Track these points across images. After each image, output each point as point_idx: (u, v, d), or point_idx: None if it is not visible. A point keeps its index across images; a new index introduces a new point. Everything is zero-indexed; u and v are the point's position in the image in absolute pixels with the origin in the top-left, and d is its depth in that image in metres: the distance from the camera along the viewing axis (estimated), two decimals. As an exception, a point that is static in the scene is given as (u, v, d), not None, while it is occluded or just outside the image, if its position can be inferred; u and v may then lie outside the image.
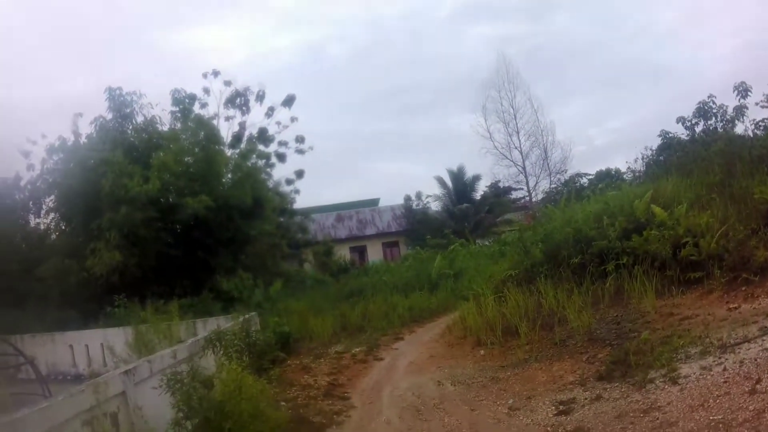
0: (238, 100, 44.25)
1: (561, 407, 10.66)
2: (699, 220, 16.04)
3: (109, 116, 34.22)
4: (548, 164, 59.42)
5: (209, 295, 29.66)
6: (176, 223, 31.84)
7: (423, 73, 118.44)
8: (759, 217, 15.99)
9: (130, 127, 34.63)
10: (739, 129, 27.19)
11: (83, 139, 33.78)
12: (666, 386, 9.77)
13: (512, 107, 60.75)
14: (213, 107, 43.03)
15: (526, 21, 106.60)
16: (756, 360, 9.45)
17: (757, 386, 8.50)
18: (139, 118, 35.09)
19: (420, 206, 59.56)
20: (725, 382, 9.06)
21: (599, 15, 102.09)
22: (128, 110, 34.55)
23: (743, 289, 13.64)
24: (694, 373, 9.80)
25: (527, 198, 60.17)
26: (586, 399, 10.68)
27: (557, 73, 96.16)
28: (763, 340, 10.19)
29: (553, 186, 55.78)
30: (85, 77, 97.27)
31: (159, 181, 28.96)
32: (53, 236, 34.46)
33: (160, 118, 36.10)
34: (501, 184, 61.16)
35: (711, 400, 8.63)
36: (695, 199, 18.30)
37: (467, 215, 55.07)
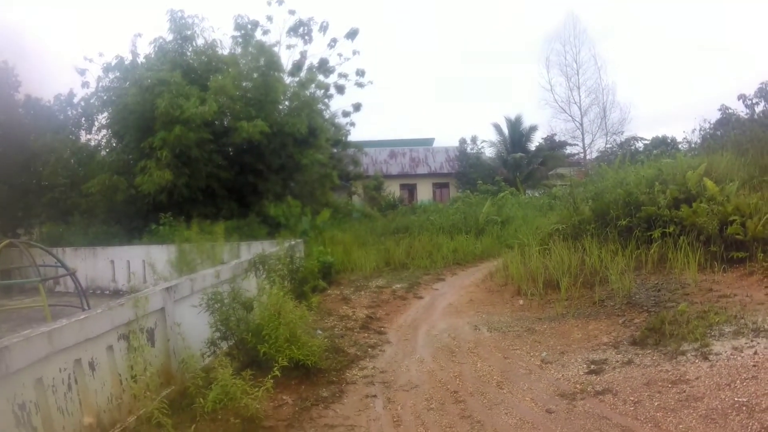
0: (301, 29, 44.34)
1: (592, 366, 10.88)
2: (748, 200, 16.06)
3: (170, 38, 34.21)
4: (606, 123, 59.34)
5: (256, 219, 30.00)
6: (229, 147, 32.09)
7: (491, 19, 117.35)
8: None
9: (190, 50, 34.62)
10: None
11: (141, 59, 34.01)
12: (696, 360, 9.92)
13: (576, 62, 60.72)
14: (275, 35, 43.70)
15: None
16: (787, 348, 9.58)
17: (786, 374, 8.64)
18: (200, 41, 35.11)
19: (474, 150, 59.51)
20: (754, 365, 9.19)
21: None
22: (189, 32, 34.40)
23: None
24: (726, 352, 9.94)
25: (581, 154, 60.05)
26: (617, 362, 10.87)
27: (625, 36, 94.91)
28: (797, 328, 10.34)
29: (608, 146, 55.79)
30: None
31: (216, 104, 29.05)
32: (103, 153, 34.66)
33: (221, 41, 36.17)
34: (557, 138, 61.16)
35: (738, 382, 8.77)
36: (747, 179, 18.35)
37: (520, 164, 55.09)
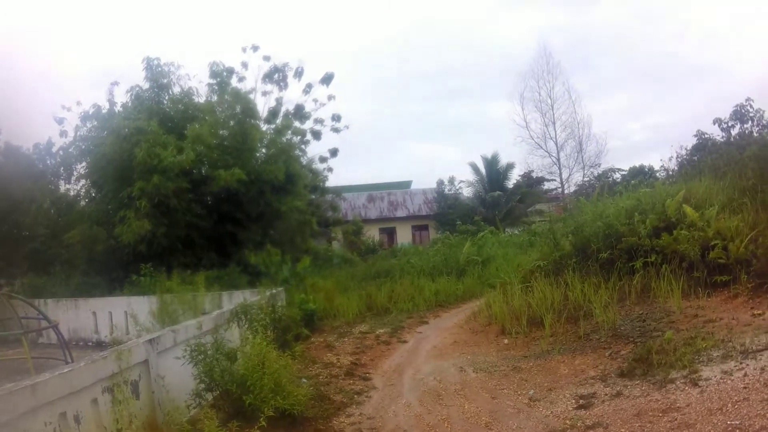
0: (276, 75, 44.49)
1: (581, 401, 10.75)
2: (729, 224, 16.00)
3: (146, 86, 34.21)
4: (582, 157, 59.57)
5: (236, 268, 29.80)
6: (207, 195, 31.93)
7: (463, 58, 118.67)
8: None
9: (166, 98, 34.61)
10: None
11: (118, 108, 33.88)
12: (686, 387, 9.81)
13: (550, 97, 61.08)
14: (251, 82, 43.40)
15: (570, 11, 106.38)
16: (777, 369, 9.50)
17: (777, 395, 8.54)
18: (176, 89, 35.10)
19: (452, 191, 59.86)
20: (745, 387, 9.08)
21: (644, 10, 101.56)
22: (165, 80, 34.45)
23: None
24: (715, 377, 9.84)
25: (559, 189, 60.27)
26: (606, 395, 10.75)
27: (597, 67, 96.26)
28: (786, 349, 10.25)
29: (586, 179, 56.03)
30: (125, 48, 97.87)
31: (193, 153, 29.02)
32: (83, 203, 34.59)
33: (197, 89, 36.23)
34: (534, 174, 61.57)
35: (730, 405, 8.66)
36: (727, 202, 18.23)
37: (498, 203, 55.16)
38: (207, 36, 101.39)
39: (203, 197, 31.96)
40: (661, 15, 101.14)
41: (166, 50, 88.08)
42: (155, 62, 34.28)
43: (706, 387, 9.58)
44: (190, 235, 30.80)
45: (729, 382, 9.51)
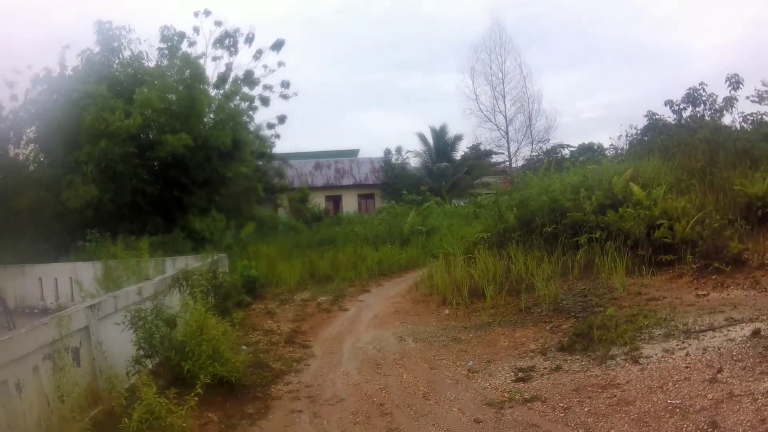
0: (227, 40, 43.98)
1: (520, 374, 10.64)
2: (676, 204, 16.17)
3: (97, 50, 33.32)
4: (531, 132, 59.56)
5: (181, 234, 29.46)
6: (154, 161, 31.52)
7: (416, 29, 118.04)
8: (737, 208, 16.36)
9: (117, 62, 33.86)
10: (727, 120, 27.31)
11: (69, 72, 32.98)
12: (626, 364, 9.78)
13: (501, 71, 60.70)
14: (201, 47, 42.74)
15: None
16: (719, 349, 9.50)
17: (718, 375, 8.53)
18: (126, 53, 34.35)
19: (399, 161, 59.47)
20: (686, 367, 9.08)
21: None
22: (116, 44, 33.68)
23: (713, 277, 13.81)
24: (656, 355, 9.84)
25: (507, 163, 60.29)
26: (545, 368, 10.67)
27: (551, 44, 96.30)
28: (729, 330, 10.25)
29: (534, 154, 55.96)
30: (78, 10, 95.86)
31: (140, 117, 28.47)
32: (31, 167, 33.91)
33: (147, 54, 35.54)
34: (482, 147, 61.38)
35: (670, 384, 8.64)
36: (674, 183, 18.49)
37: (445, 174, 55.11)
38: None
39: (150, 162, 31.53)
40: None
41: (119, 13, 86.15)
42: (107, 26, 33.57)
43: (647, 365, 9.56)
44: (136, 200, 30.28)
45: (670, 360, 9.51)
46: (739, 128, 24.75)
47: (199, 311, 11.48)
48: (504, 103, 60.30)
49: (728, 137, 21.52)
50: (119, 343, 10.89)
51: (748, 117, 26.03)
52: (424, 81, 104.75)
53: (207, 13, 42.98)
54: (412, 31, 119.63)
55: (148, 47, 35.86)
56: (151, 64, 35.22)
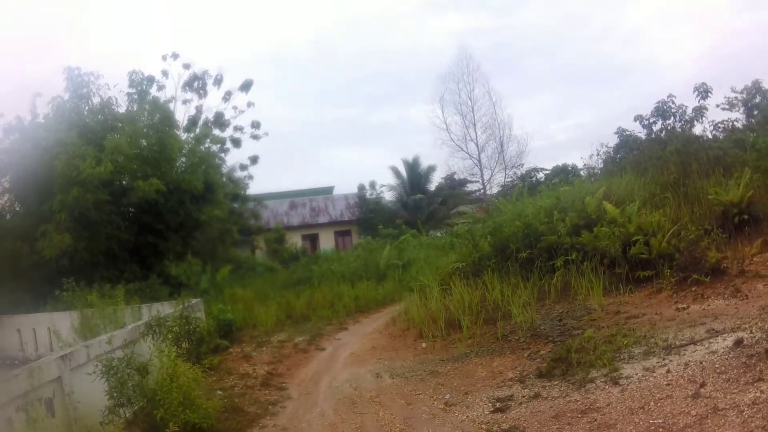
0: (196, 83, 43.62)
1: (498, 404, 10.34)
2: (650, 219, 16.14)
3: (66, 96, 33.34)
4: (504, 158, 59.58)
5: (157, 280, 29.13)
6: (128, 207, 31.35)
7: (385, 64, 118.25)
8: (712, 218, 16.35)
9: (86, 108, 33.71)
10: (698, 130, 27.56)
11: (40, 119, 32.85)
12: (606, 386, 9.51)
13: (470, 99, 60.77)
14: (171, 90, 42.54)
15: (492, 15, 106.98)
16: (701, 363, 9.24)
17: (701, 390, 8.26)
18: (96, 100, 34.18)
19: (374, 195, 59.37)
20: (668, 384, 8.83)
21: (567, 12, 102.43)
22: (85, 91, 33.62)
23: (693, 289, 13.68)
24: (636, 374, 9.59)
25: (482, 191, 60.29)
26: (524, 397, 10.38)
27: (520, 68, 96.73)
28: (710, 343, 10.02)
29: (508, 180, 56.01)
30: (49, 57, 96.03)
31: (111, 164, 28.23)
32: (8, 217, 33.65)
33: (116, 99, 35.24)
34: (456, 176, 61.44)
35: (652, 403, 8.37)
36: (648, 198, 18.52)
37: (420, 206, 54.94)
38: (129, 43, 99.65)
39: (124, 209, 31.37)
40: (583, 17, 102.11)
41: (88, 58, 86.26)
42: (76, 72, 33.60)
43: (627, 385, 9.30)
44: (111, 247, 30.00)
45: (651, 379, 9.26)
46: (710, 137, 24.94)
47: (169, 358, 11.31)
48: (475, 130, 60.40)
49: (700, 147, 21.63)
50: (94, 393, 10.72)
51: (719, 125, 26.33)
52: (396, 114, 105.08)
53: (175, 56, 42.61)
54: (382, 66, 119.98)
55: (117, 93, 35.75)
56: (121, 110, 35.03)
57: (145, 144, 32.17)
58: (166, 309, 18.41)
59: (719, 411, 7.53)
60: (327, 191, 64.58)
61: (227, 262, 34.10)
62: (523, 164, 58.28)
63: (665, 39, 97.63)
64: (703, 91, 27.46)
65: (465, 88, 61.02)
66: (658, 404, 8.28)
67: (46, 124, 31.43)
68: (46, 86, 34.07)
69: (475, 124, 60.52)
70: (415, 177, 59.18)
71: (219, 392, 13.69)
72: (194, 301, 20.68)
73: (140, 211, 31.24)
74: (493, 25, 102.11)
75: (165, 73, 41.87)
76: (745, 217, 15.87)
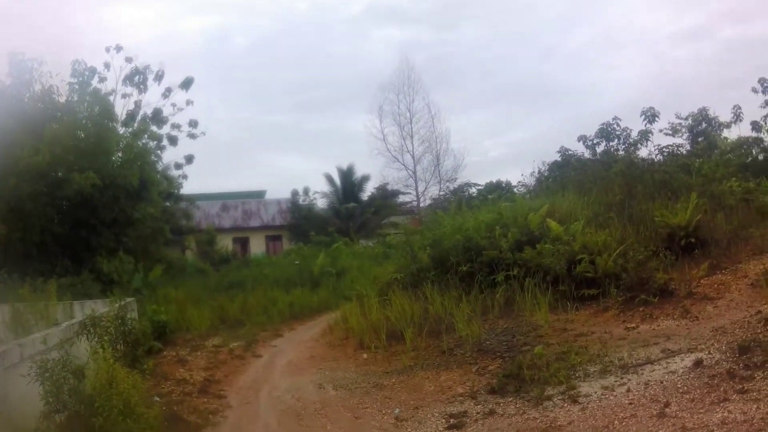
0: (137, 77, 42.68)
1: (452, 420, 10.15)
2: (596, 238, 16.25)
3: (8, 82, 32.86)
4: (439, 171, 59.82)
5: (89, 276, 28.48)
6: (63, 199, 30.66)
7: (325, 70, 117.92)
8: (658, 239, 16.65)
9: (27, 95, 33.09)
10: (642, 153, 28.21)
11: (-20, 104, 32.24)
12: (566, 404, 9.43)
13: (409, 111, 61.05)
14: (112, 83, 41.83)
15: (436, 28, 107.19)
16: (662, 382, 9.25)
17: (666, 410, 8.25)
18: (37, 87, 33.49)
19: (306, 202, 59.17)
20: (630, 403, 8.80)
21: (511, 31, 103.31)
22: (27, 77, 33.09)
23: (641, 309, 13.76)
24: (596, 393, 9.54)
25: (415, 203, 60.39)
26: (478, 413, 10.22)
27: (459, 84, 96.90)
28: (668, 363, 10.06)
29: (442, 193, 56.15)
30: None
31: (49, 154, 27.78)
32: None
33: (58, 88, 34.31)
34: (390, 187, 61.32)
35: (616, 422, 8.33)
36: (592, 218, 18.67)
37: (353, 215, 54.88)
38: (74, 30, 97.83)
39: (59, 201, 30.70)
40: (525, 38, 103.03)
41: (34, 44, 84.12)
42: (19, 57, 33.16)
43: (587, 404, 9.25)
44: (45, 240, 29.43)
45: (612, 398, 9.23)
46: (656, 160, 25.44)
47: (107, 362, 10.75)
48: (412, 142, 60.69)
49: (645, 170, 22.05)
50: (29, 396, 10.08)
51: (664, 149, 26.92)
52: (334, 122, 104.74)
53: (118, 48, 41.69)
54: (322, 73, 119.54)
55: (59, 81, 35.09)
56: (62, 99, 34.27)
57: (83, 136, 31.65)
58: (99, 307, 17.90)
59: (688, 430, 7.51)
60: (260, 195, 64.22)
61: (159, 261, 33.80)
62: (456, 178, 58.59)
63: (608, 63, 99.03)
64: (651, 115, 28.29)
65: (405, 99, 61.31)
66: (623, 423, 8.24)
67: None
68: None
69: (412, 136, 60.87)
70: (348, 185, 59.17)
71: (156, 399, 13.20)
72: (128, 300, 20.25)
73: (74, 204, 30.54)
74: (435, 38, 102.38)
75: (107, 66, 40.95)
76: (692, 240, 16.30)
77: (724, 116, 28.95)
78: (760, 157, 25.20)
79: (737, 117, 28.38)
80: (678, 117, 29.40)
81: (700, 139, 28.46)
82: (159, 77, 43.20)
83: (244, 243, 56.88)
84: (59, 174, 30.07)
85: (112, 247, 31.09)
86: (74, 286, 26.13)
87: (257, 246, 56.55)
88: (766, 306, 11.97)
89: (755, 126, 27.75)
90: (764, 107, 28.16)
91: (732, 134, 28.36)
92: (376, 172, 62.54)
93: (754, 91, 28.46)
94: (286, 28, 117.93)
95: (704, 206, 17.53)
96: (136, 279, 27.71)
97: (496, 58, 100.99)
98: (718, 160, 23.45)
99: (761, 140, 26.89)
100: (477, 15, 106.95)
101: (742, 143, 26.02)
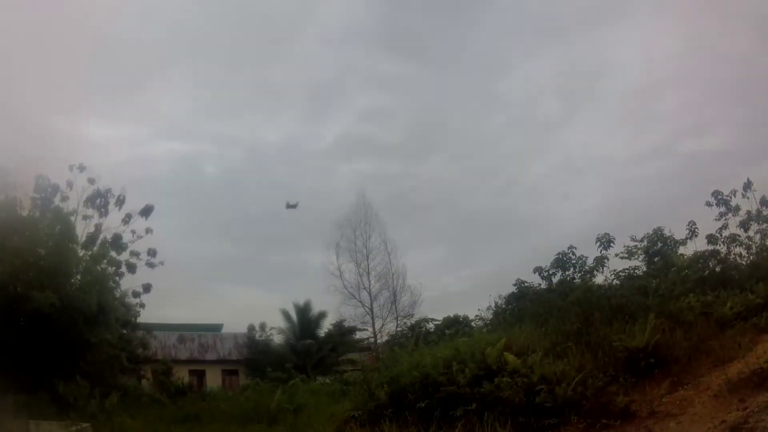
0: (99, 200, 42.80)
1: None
2: (554, 368, 16.49)
3: None
4: (396, 308, 59.76)
5: (45, 396, 28.38)
6: (20, 316, 30.60)
7: (278, 206, 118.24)
8: (618, 364, 16.82)
9: (-10, 204, 33.31)
10: (599, 279, 29.01)
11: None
12: None
13: (366, 248, 61.17)
14: (74, 203, 41.96)
15: (402, 162, 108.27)
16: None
17: None
18: (1, 197, 33.86)
19: (263, 337, 59.03)
20: None
21: (473, 165, 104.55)
22: (-9, 186, 33.38)
23: None
24: None
25: (372, 339, 60.20)
26: None
27: (420, 218, 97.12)
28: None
29: (399, 329, 56.06)
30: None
31: (10, 267, 27.91)
32: None
33: (21, 201, 34.97)
34: (346, 323, 61.06)
35: None
36: (550, 347, 18.74)
37: (310, 351, 54.66)
38: (40, 142, 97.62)
39: (16, 317, 30.55)
40: (488, 171, 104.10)
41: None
42: None
43: None
44: (1, 356, 28.88)
45: None
46: (612, 285, 26.36)
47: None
48: (369, 279, 60.67)
49: (602, 296, 22.67)
50: None
51: (620, 273, 28.19)
52: (292, 256, 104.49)
53: (82, 168, 41.79)
54: (284, 206, 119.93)
55: (22, 195, 35.23)
56: (25, 213, 34.64)
57: (43, 253, 31.90)
58: (55, 429, 17.75)
59: None
60: (216, 328, 63.94)
61: (115, 388, 33.49)
62: (413, 314, 58.63)
63: (564, 193, 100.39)
64: (606, 242, 29.07)
65: (361, 236, 61.48)
66: None
67: None
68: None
69: (369, 273, 60.81)
70: (305, 322, 59.18)
71: None
72: (84, 425, 20.08)
73: (32, 322, 30.49)
74: (399, 171, 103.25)
75: (70, 184, 41.13)
76: (652, 360, 16.55)
77: (680, 233, 29.67)
78: (717, 269, 25.65)
79: (692, 233, 29.04)
80: (633, 239, 30.12)
81: (656, 259, 29.09)
82: (120, 202, 43.17)
83: (200, 376, 56.37)
84: (18, 289, 29.99)
85: (69, 369, 30.95)
86: (30, 405, 25.96)
87: (214, 379, 56.08)
88: (730, 415, 12.13)
89: (711, 239, 28.34)
90: (719, 219, 28.87)
91: (688, 250, 28.91)
92: (333, 309, 62.36)
93: (708, 204, 29.07)
94: (257, 160, 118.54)
95: (662, 325, 17.74)
96: (92, 404, 27.45)
97: (457, 191, 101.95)
98: (675, 278, 24.14)
99: (718, 252, 27.48)
100: (443, 147, 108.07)
101: (699, 258, 26.58)
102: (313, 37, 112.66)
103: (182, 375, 50.47)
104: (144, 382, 46.24)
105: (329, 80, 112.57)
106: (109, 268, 39.18)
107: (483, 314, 33.53)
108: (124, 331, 41.58)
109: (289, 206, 46.41)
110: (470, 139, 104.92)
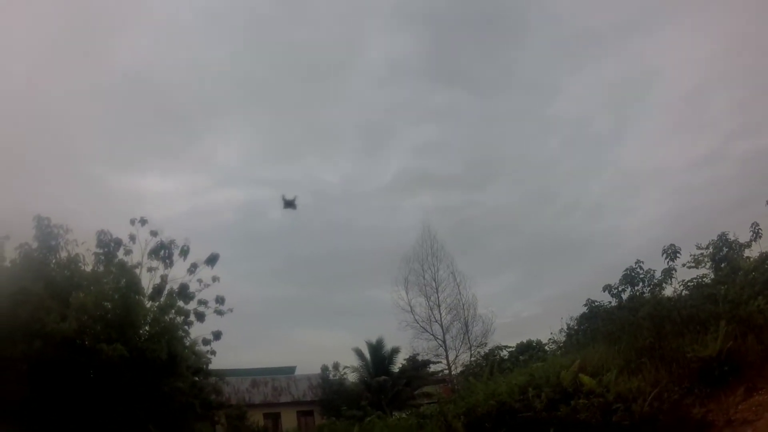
0: (162, 252, 43.12)
1: None
2: (629, 385, 16.23)
3: (35, 245, 33.66)
4: (469, 338, 59.29)
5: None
6: (89, 369, 30.81)
7: (353, 243, 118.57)
8: (692, 375, 16.70)
9: (53, 261, 34.02)
10: (668, 291, 28.53)
11: (7, 263, 32.75)
12: None
13: (434, 281, 60.68)
14: (137, 256, 42.28)
15: (463, 192, 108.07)
16: None
17: None
18: (63, 254, 34.48)
19: (337, 377, 59.10)
20: None
21: (532, 189, 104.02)
22: (53, 243, 34.05)
23: None
24: None
25: (446, 371, 59.78)
26: None
27: (485, 246, 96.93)
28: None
29: (473, 359, 55.65)
30: (17, 200, 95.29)
31: (76, 322, 28.31)
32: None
33: (83, 257, 35.31)
34: (420, 357, 60.76)
35: None
36: (624, 365, 18.49)
37: (384, 387, 54.55)
38: (100, 198, 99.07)
39: (86, 370, 30.79)
40: (548, 194, 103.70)
41: (56, 207, 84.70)
42: (45, 222, 34.03)
43: None
44: (70, 407, 29.37)
45: None
46: (681, 296, 25.84)
47: None
48: (440, 311, 60.15)
49: (672, 308, 22.08)
50: None
51: (689, 283, 27.49)
52: (361, 294, 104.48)
53: (143, 221, 41.96)
54: (349, 245, 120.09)
55: (84, 250, 35.68)
56: (88, 268, 35.04)
57: (109, 307, 32.25)
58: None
59: None
60: (289, 371, 64.15)
61: (189, 435, 33.22)
62: (486, 343, 58.20)
63: (626, 207, 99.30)
64: (672, 252, 28.56)
65: (429, 269, 61.09)
66: None
67: (12, 270, 31.48)
68: (13, 230, 33.87)
69: (439, 305, 60.29)
70: (378, 359, 59.10)
71: None
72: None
73: (102, 374, 30.71)
74: (460, 201, 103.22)
75: (132, 238, 41.47)
76: (726, 368, 16.29)
77: (744, 236, 28.91)
78: (785, 267, 24.92)
79: (756, 234, 28.24)
80: (699, 247, 29.75)
81: (723, 265, 28.42)
82: (185, 253, 43.39)
83: (275, 418, 56.58)
84: (86, 342, 30.36)
85: (142, 419, 31.06)
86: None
87: (289, 421, 56.19)
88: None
89: (775, 238, 27.58)
90: (781, 216, 27.93)
91: (753, 252, 28.08)
92: (406, 343, 62.08)
93: (768, 203, 28.22)
94: (317, 204, 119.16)
95: (734, 332, 17.47)
96: (167, 452, 27.11)
97: (521, 216, 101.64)
98: (743, 282, 23.39)
99: (784, 250, 26.71)
100: (501, 174, 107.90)
101: (765, 259, 25.69)
102: (362, 76, 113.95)
103: (257, 419, 50.64)
104: (218, 427, 46.41)
105: (381, 117, 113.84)
106: (178, 318, 39.45)
107: (556, 337, 33.23)
108: (197, 379, 41.75)
109: (287, 205, 45.22)
110: (527, 163, 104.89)
